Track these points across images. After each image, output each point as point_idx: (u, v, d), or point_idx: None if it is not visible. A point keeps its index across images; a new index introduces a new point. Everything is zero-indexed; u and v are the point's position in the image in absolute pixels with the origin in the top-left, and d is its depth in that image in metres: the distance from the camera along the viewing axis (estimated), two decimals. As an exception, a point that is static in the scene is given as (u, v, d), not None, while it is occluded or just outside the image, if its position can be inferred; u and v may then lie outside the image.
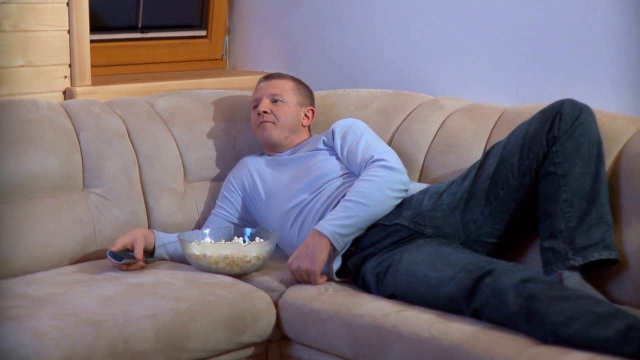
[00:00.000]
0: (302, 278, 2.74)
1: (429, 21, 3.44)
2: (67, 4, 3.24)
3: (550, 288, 2.34)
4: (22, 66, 3.17)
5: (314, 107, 3.20)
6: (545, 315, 2.28)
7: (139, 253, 2.81)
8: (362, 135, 2.96)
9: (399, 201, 2.82)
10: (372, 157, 2.87)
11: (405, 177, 2.84)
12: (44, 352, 2.28)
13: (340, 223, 2.73)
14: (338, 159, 2.99)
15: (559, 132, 2.63)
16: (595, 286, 2.54)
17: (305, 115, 3.16)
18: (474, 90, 3.31)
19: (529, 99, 3.13)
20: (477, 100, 3.23)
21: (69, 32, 3.26)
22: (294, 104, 3.13)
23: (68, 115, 3.05)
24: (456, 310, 2.47)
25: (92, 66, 3.55)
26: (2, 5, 3.08)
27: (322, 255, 2.71)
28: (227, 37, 4.03)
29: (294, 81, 3.19)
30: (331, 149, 3.02)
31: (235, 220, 3.09)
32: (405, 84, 3.46)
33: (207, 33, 3.99)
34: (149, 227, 3.06)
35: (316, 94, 3.34)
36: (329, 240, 2.72)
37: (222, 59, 4.05)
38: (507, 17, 3.22)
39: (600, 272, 2.61)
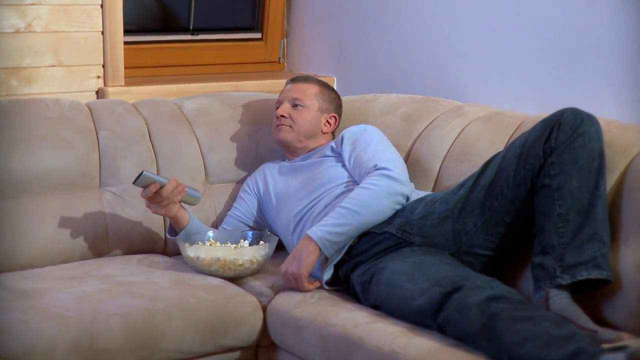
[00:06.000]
0: (289, 282, 2.70)
1: (464, 28, 3.35)
2: (101, 5, 3.31)
3: (515, 308, 2.23)
4: (53, 66, 3.26)
5: (338, 113, 3.14)
6: (502, 335, 2.19)
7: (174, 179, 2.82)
8: (371, 143, 2.89)
9: (394, 212, 2.74)
10: (376, 165, 2.79)
11: (405, 188, 2.76)
12: (4, 344, 2.33)
13: (331, 230, 2.68)
14: (344, 166, 2.93)
15: (557, 142, 2.49)
16: (587, 307, 2.41)
17: (327, 121, 3.11)
18: (504, 97, 3.19)
19: (556, 107, 2.99)
20: (506, 107, 3.11)
21: (102, 33, 3.33)
22: (315, 109, 3.08)
23: (91, 114, 3.11)
24: (425, 324, 2.38)
25: (139, 67, 3.64)
26: (32, 6, 3.18)
27: (309, 259, 2.67)
28: (284, 39, 4.03)
29: (319, 86, 3.14)
30: (338, 155, 2.96)
31: (250, 223, 3.08)
32: (441, 89, 3.38)
33: (262, 35, 3.99)
34: (164, 226, 3.08)
35: (345, 98, 3.29)
36: (317, 245, 2.67)
37: (279, 62, 4.04)
38: (539, 24, 3.10)
39: (593, 293, 2.46)
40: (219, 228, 3.08)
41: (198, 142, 3.21)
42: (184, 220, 2.91)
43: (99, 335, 2.45)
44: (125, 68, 3.45)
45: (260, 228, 3.05)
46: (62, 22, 3.25)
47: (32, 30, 3.20)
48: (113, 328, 2.47)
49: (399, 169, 2.79)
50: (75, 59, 3.30)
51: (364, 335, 2.40)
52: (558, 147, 2.49)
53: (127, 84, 3.42)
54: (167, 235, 3.02)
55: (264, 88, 3.65)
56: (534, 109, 3.03)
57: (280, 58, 4.05)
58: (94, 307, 2.50)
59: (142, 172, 2.76)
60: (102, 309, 2.50)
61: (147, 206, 2.84)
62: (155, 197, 2.81)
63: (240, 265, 2.77)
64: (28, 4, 3.18)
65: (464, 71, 3.36)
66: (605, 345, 2.10)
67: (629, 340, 2.26)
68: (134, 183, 2.79)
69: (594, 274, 2.41)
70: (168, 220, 3.01)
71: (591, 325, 2.32)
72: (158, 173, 3.09)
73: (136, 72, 3.63)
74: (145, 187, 2.79)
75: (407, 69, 3.57)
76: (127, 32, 3.59)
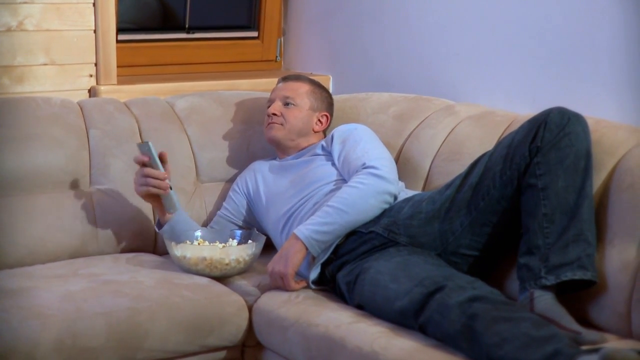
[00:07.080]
0: (276, 282, 2.69)
1: (458, 27, 3.33)
2: (93, 4, 3.30)
3: (496, 309, 2.21)
4: (45, 64, 3.25)
5: (329, 112, 3.13)
6: (482, 336, 2.17)
7: (167, 170, 2.85)
8: (360, 142, 2.87)
9: (381, 211, 2.72)
10: (364, 163, 2.78)
11: (393, 187, 2.74)
12: (-15, 343, 2.33)
13: (317, 228, 2.67)
14: (334, 164, 2.92)
15: (542, 142, 2.47)
16: (572, 308, 2.39)
17: (319, 120, 3.09)
18: (497, 96, 3.17)
19: (547, 107, 2.96)
20: (499, 106, 3.09)
21: (94, 31, 3.32)
22: (306, 108, 3.07)
23: (82, 112, 3.10)
24: (408, 325, 2.37)
25: (134, 66, 3.63)
26: (24, 5, 3.17)
27: (295, 258, 2.65)
28: (280, 38, 4.01)
29: (311, 85, 3.13)
30: (329, 154, 2.95)
31: (240, 223, 3.07)
32: (435, 88, 3.36)
33: (259, 34, 3.98)
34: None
35: (338, 97, 3.29)
36: (304, 244, 2.66)
37: (275, 61, 4.03)
38: (531, 24, 3.07)
39: (579, 294, 2.44)
40: (208, 227, 3.07)
41: (189, 140, 3.20)
42: (168, 213, 2.91)
43: (81, 334, 2.44)
44: (121, 66, 3.45)
45: (250, 227, 3.04)
46: (54, 21, 3.24)
47: (24, 29, 3.20)
48: (96, 327, 2.46)
49: (387, 167, 2.77)
50: (67, 57, 3.30)
51: (345, 335, 2.39)
52: (544, 147, 2.47)
53: (120, 82, 3.41)
54: (155, 229, 3.01)
55: (260, 87, 3.64)
56: (526, 109, 3.01)
57: (276, 57, 4.03)
58: (77, 306, 2.49)
59: (147, 142, 2.84)
60: (85, 307, 2.49)
61: (134, 180, 2.87)
62: (140, 170, 2.84)
63: (227, 264, 2.76)
64: (20, 3, 3.18)
65: (457, 70, 3.34)
66: (584, 347, 2.08)
67: (611, 342, 2.24)
68: (137, 144, 2.87)
69: (579, 275, 2.39)
70: (157, 216, 3.00)
71: (575, 326, 2.30)
72: None
73: (132, 71, 3.63)
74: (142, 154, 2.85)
75: (402, 68, 3.55)
76: (123, 30, 3.60)
